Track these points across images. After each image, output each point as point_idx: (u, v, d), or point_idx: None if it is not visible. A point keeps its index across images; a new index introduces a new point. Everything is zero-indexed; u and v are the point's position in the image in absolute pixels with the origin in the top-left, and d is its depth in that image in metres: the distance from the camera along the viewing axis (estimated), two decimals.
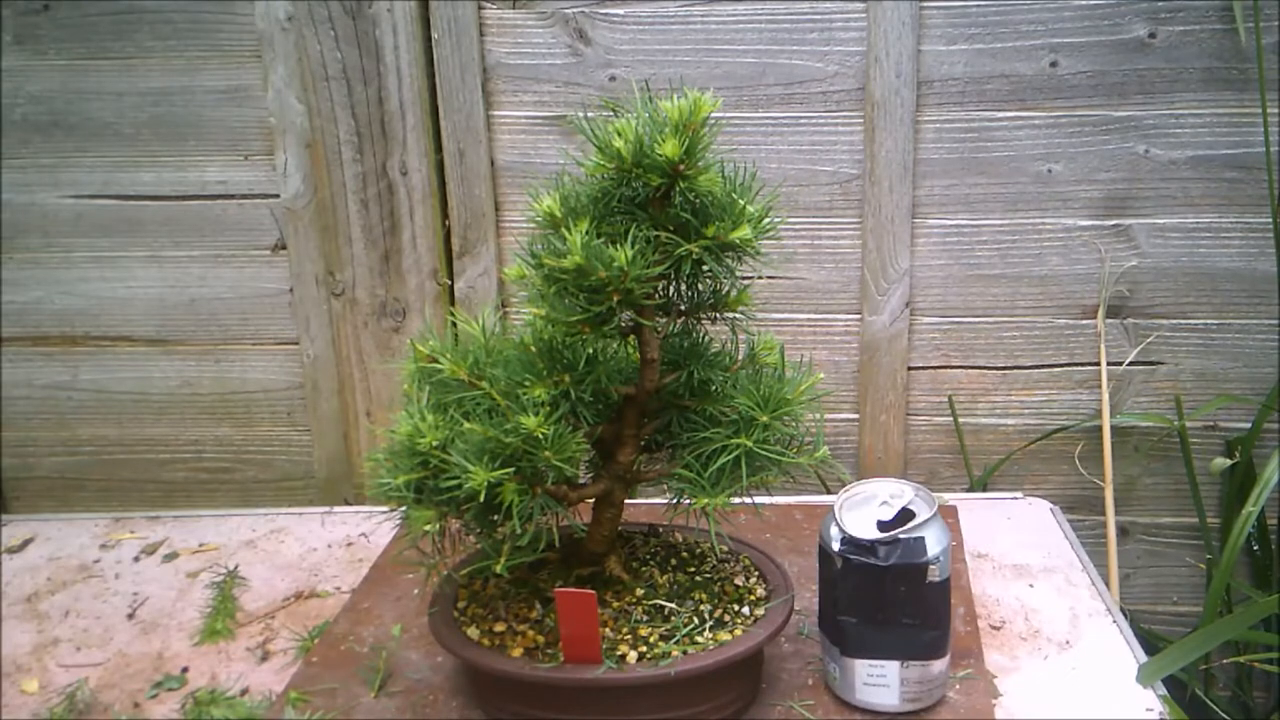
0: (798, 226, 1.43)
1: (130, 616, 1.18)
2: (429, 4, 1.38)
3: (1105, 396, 1.44)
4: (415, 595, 1.15)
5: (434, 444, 0.82)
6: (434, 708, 0.96)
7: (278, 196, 1.45)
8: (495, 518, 0.86)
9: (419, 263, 1.46)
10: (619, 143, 0.82)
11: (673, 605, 0.93)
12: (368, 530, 1.35)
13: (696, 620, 0.91)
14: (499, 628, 0.92)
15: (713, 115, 0.83)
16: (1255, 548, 1.45)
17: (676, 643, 0.89)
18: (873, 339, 1.45)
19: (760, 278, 1.45)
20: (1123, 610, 1.16)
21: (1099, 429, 1.45)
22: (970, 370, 1.47)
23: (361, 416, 1.51)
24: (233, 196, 1.46)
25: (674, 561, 1.01)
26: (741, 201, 0.85)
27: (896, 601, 0.90)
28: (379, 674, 1.00)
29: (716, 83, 1.38)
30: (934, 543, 0.90)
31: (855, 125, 1.39)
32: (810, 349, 1.47)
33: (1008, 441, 1.49)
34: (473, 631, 0.92)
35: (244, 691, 1.03)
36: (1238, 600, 1.45)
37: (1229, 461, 1.44)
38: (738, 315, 0.92)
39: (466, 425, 0.82)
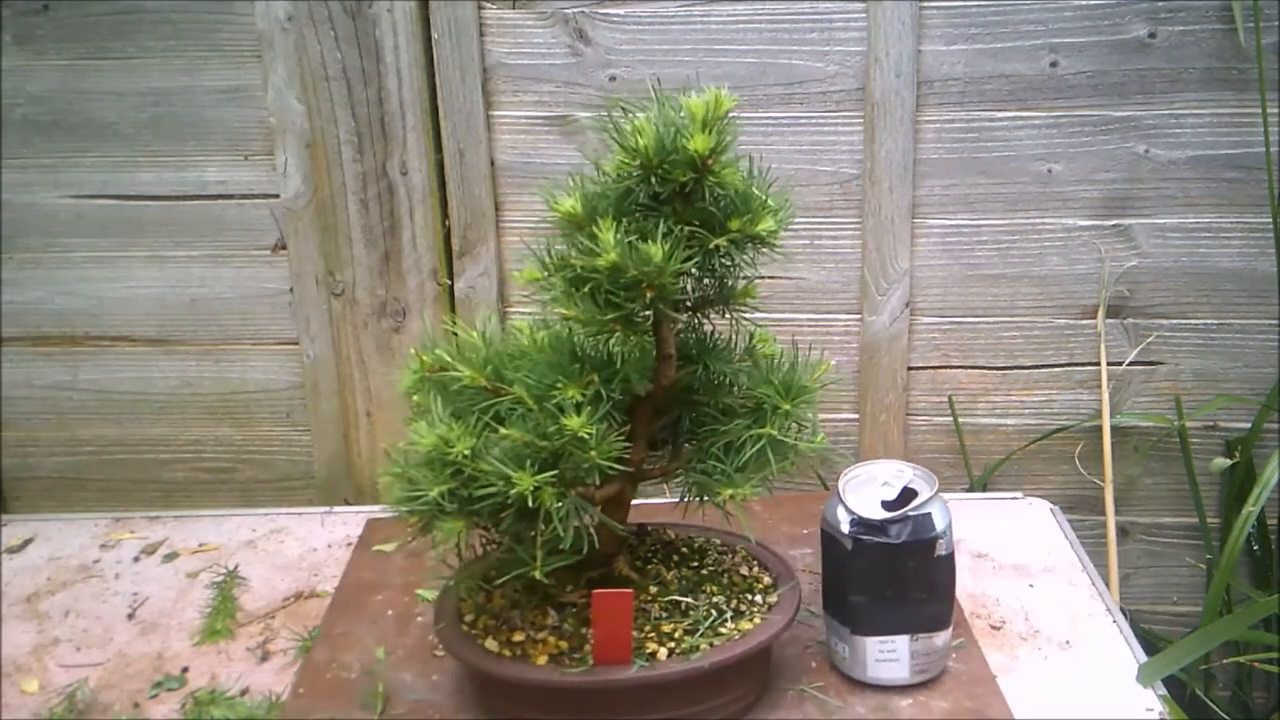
0: (798, 226, 1.43)
1: (130, 616, 1.18)
2: (429, 4, 1.38)
3: (1105, 396, 1.44)
4: (390, 616, 1.13)
5: (465, 453, 0.81)
6: None
7: (278, 196, 1.45)
8: (524, 523, 0.85)
9: (419, 263, 1.46)
10: (642, 140, 0.82)
11: (689, 600, 0.94)
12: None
13: (715, 612, 0.92)
14: (518, 637, 0.92)
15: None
16: (1255, 548, 1.45)
17: (702, 635, 0.90)
18: (873, 339, 1.45)
19: (760, 278, 1.45)
20: (1123, 610, 1.16)
21: (1099, 429, 1.45)
22: (970, 370, 1.47)
23: (361, 416, 1.51)
24: (233, 196, 1.46)
25: (675, 558, 1.02)
26: (761, 194, 0.86)
27: (907, 577, 0.93)
28: (379, 698, 0.98)
29: (716, 83, 1.37)
30: (940, 518, 0.94)
31: (855, 125, 1.39)
32: (810, 349, 1.47)
33: (1008, 441, 1.49)
34: (491, 644, 0.91)
35: (244, 691, 1.03)
36: (1238, 600, 1.45)
37: (1229, 461, 1.44)
38: (743, 308, 0.93)
39: (503, 431, 0.82)
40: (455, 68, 1.39)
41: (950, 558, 0.95)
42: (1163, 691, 1.00)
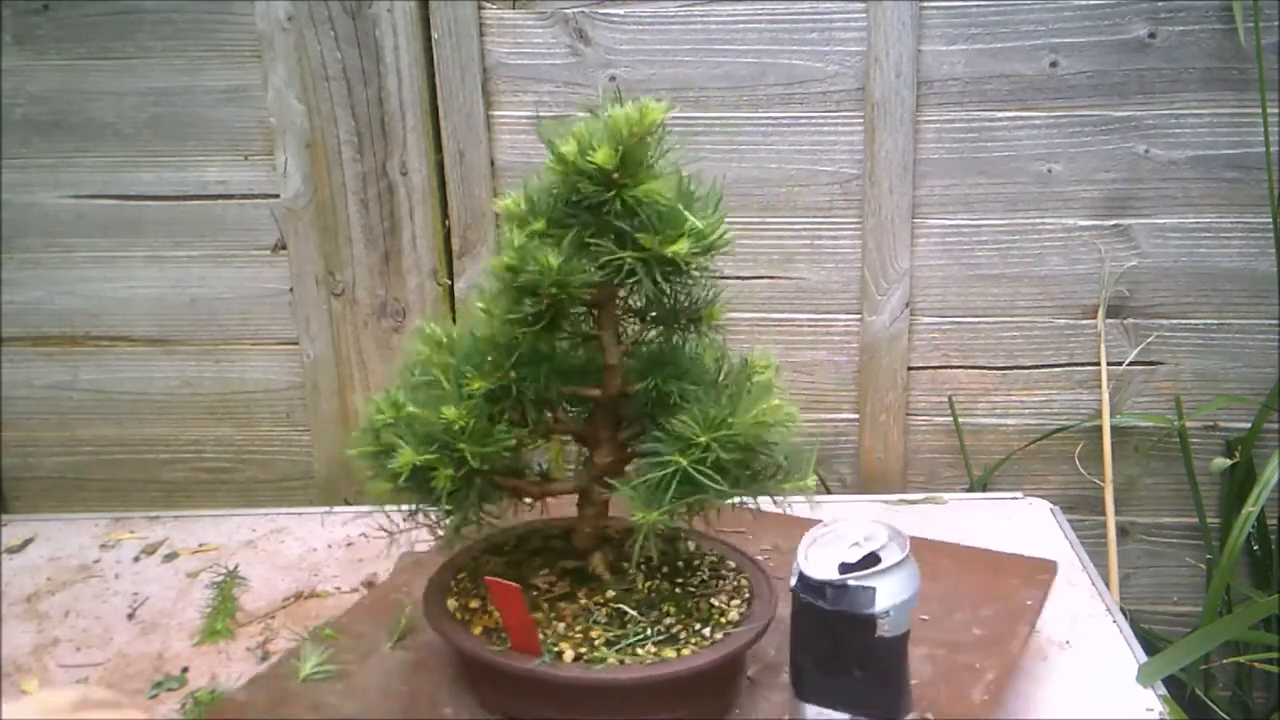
0: (798, 226, 1.43)
1: (130, 616, 1.18)
2: (429, 4, 1.38)
3: (1105, 396, 1.44)
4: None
5: (386, 422, 0.86)
6: (429, 668, 0.98)
7: (278, 196, 1.45)
8: (426, 497, 0.89)
9: (419, 263, 1.46)
10: (567, 146, 0.82)
11: (634, 612, 0.92)
12: (368, 530, 1.35)
13: (649, 632, 0.90)
14: (474, 604, 0.94)
15: (668, 118, 0.82)
16: (1255, 548, 1.45)
17: (618, 650, 0.88)
18: (873, 339, 1.45)
19: (760, 277, 1.45)
20: (1123, 610, 1.16)
21: (1099, 429, 1.45)
22: (970, 370, 1.47)
23: (362, 417, 1.51)
24: (233, 196, 1.46)
25: (665, 569, 0.99)
26: (687, 215, 0.82)
27: (846, 650, 0.85)
28: (400, 626, 1.02)
29: (716, 83, 1.38)
30: (887, 595, 0.84)
31: (855, 125, 1.39)
32: (810, 349, 1.47)
33: (1008, 441, 1.49)
34: (452, 603, 0.94)
35: None
36: (1238, 600, 1.45)
37: (1229, 461, 1.44)
38: (710, 327, 0.91)
39: (408, 409, 0.85)
40: (455, 68, 1.39)
41: (898, 641, 0.85)
42: (1163, 691, 1.00)
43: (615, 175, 0.82)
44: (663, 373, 0.90)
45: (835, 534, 0.90)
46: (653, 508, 0.83)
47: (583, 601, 0.94)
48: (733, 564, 1.02)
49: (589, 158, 0.81)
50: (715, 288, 0.90)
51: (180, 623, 1.16)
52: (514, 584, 0.86)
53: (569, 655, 0.87)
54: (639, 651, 0.88)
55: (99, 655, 1.11)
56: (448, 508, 0.87)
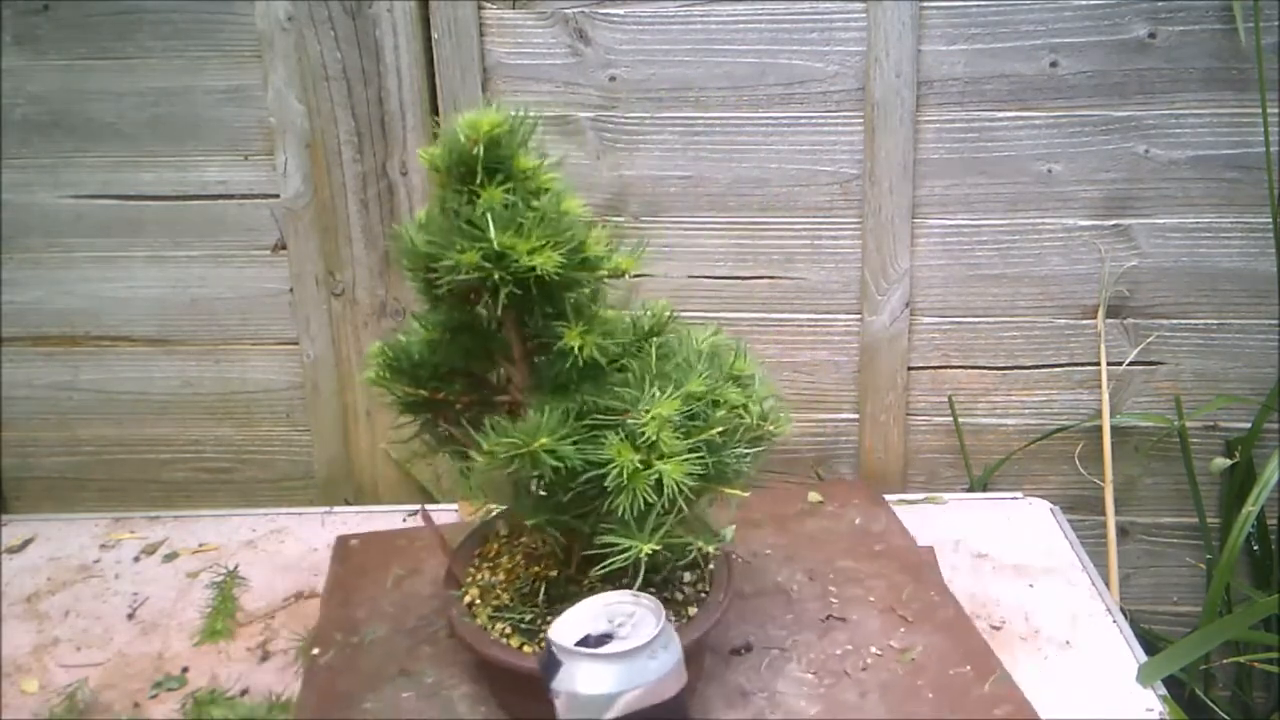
0: (798, 226, 1.43)
1: (130, 616, 1.18)
2: (429, 4, 1.38)
3: (1105, 396, 1.44)
4: None
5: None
6: None
7: (278, 196, 1.45)
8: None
9: None
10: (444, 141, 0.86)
11: (542, 597, 0.96)
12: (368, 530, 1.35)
13: (525, 617, 0.94)
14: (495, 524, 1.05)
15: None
16: (1255, 548, 1.45)
17: (492, 617, 0.94)
18: (873, 339, 1.45)
19: (761, 277, 1.45)
20: (1123, 610, 1.16)
21: (1099, 429, 1.45)
22: (970, 370, 1.47)
23: (362, 416, 1.51)
24: (233, 196, 1.46)
25: (624, 581, 0.97)
26: (489, 230, 0.83)
27: (544, 711, 0.84)
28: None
29: (716, 83, 1.38)
30: (569, 678, 0.82)
31: (855, 125, 1.39)
32: (810, 349, 1.47)
33: (1008, 441, 1.49)
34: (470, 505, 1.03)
35: (244, 692, 1.03)
36: (1238, 600, 1.45)
37: (1229, 461, 1.44)
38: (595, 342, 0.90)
39: (383, 345, 0.98)
40: (455, 68, 1.39)
41: None
42: (1163, 691, 1.00)
43: (445, 175, 0.85)
44: (550, 376, 0.90)
45: (602, 606, 0.88)
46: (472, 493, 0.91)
47: (534, 569, 0.98)
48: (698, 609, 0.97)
49: (425, 153, 0.86)
50: (593, 307, 0.91)
51: (180, 623, 1.16)
52: (438, 528, 0.99)
53: (467, 600, 0.96)
54: (496, 627, 0.94)
55: (99, 655, 1.11)
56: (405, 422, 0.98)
